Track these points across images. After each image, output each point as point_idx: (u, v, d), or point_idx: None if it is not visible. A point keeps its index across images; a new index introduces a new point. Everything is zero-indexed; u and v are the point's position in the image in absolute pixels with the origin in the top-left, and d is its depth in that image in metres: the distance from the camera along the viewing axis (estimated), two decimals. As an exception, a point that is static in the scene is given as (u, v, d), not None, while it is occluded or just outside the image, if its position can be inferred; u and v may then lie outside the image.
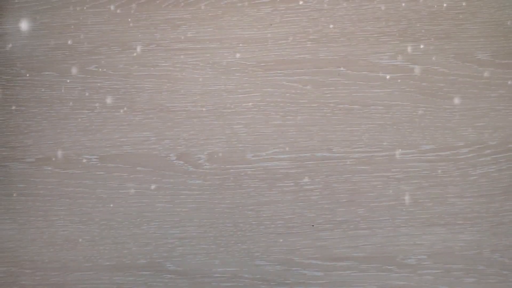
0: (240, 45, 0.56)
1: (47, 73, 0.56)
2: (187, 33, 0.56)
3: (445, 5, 0.55)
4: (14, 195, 0.55)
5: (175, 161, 0.54)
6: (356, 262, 0.51)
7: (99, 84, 0.56)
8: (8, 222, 0.55)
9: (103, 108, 0.55)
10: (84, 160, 0.55)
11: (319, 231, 0.50)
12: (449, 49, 0.54)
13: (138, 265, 0.52)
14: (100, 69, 0.56)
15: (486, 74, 0.54)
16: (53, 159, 0.55)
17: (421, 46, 0.55)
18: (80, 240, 0.54)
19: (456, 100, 0.54)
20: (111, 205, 0.54)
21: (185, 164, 0.54)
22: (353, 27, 0.55)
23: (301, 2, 0.56)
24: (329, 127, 0.54)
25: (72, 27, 0.57)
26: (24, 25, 0.57)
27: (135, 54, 0.56)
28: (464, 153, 0.53)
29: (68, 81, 0.56)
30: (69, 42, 0.57)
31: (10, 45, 0.57)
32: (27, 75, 0.56)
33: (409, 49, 0.55)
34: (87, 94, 0.56)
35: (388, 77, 0.54)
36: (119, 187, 0.54)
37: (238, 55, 0.55)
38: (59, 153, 0.55)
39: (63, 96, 0.56)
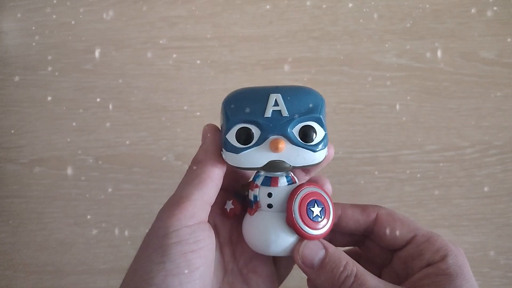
0: (239, 43, 0.55)
1: (41, 72, 0.55)
2: (185, 31, 0.55)
3: (450, 3, 0.54)
4: (7, 196, 0.54)
5: (172, 162, 0.53)
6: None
7: (94, 84, 0.55)
8: (1, 224, 0.54)
9: (98, 108, 0.55)
10: (79, 161, 0.54)
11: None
12: (454, 47, 0.54)
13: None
14: (95, 68, 0.55)
15: (491, 73, 0.53)
16: (48, 160, 0.54)
17: (426, 45, 0.54)
18: (75, 242, 0.53)
19: (461, 100, 0.53)
20: (107, 207, 0.53)
21: (183, 165, 0.53)
22: (356, 25, 0.55)
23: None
24: (332, 127, 0.53)
25: (67, 25, 0.56)
26: (18, 23, 0.57)
27: (131, 53, 0.55)
28: (469, 153, 0.52)
29: (63, 80, 0.55)
30: (64, 40, 0.56)
31: (4, 44, 0.56)
32: (22, 74, 0.56)
33: (413, 47, 0.54)
34: (82, 93, 0.55)
35: (391, 76, 0.54)
36: (115, 188, 0.53)
37: (237, 53, 0.55)
38: (54, 153, 0.54)
39: (57, 96, 0.55)
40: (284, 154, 0.27)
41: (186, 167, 0.53)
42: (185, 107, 0.54)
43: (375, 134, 0.53)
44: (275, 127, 0.27)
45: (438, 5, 0.54)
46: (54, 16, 0.56)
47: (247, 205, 0.31)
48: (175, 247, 0.25)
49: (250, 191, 0.30)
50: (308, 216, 0.27)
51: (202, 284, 0.26)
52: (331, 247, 0.27)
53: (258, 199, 0.29)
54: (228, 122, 0.28)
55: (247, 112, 0.27)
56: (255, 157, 0.27)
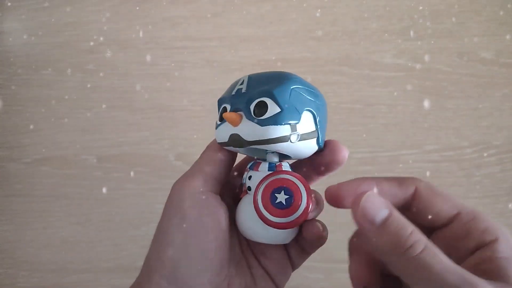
0: (240, 43, 0.55)
1: (45, 72, 0.56)
2: (187, 31, 0.56)
3: (448, 3, 0.54)
4: (11, 195, 0.54)
5: (174, 162, 0.54)
6: (358, 264, 0.51)
7: (97, 83, 0.55)
8: (5, 223, 0.54)
9: (101, 108, 0.55)
10: (82, 161, 0.54)
11: (321, 233, 0.50)
12: (452, 47, 0.54)
13: (136, 267, 0.52)
14: (98, 68, 0.55)
15: (490, 73, 0.53)
16: (51, 159, 0.54)
17: (424, 45, 0.54)
18: (78, 241, 0.53)
19: (460, 100, 0.53)
20: (109, 206, 0.53)
21: (184, 164, 0.53)
22: (355, 25, 0.55)
23: None
24: (331, 127, 0.53)
25: (70, 25, 0.56)
26: (22, 23, 0.57)
27: (134, 53, 0.55)
28: (468, 153, 0.52)
29: (66, 80, 0.55)
30: (68, 40, 0.56)
31: (7, 44, 0.56)
32: (25, 74, 0.56)
33: (412, 47, 0.54)
34: (85, 93, 0.55)
35: (390, 76, 0.54)
36: (117, 187, 0.54)
37: (238, 53, 0.55)
38: (57, 153, 0.54)
39: (61, 96, 0.55)
40: (240, 128, 0.27)
41: (187, 166, 0.53)
42: (187, 107, 0.54)
43: (375, 134, 0.53)
44: (237, 103, 0.28)
45: (436, 6, 0.54)
46: (57, 16, 0.56)
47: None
48: (191, 210, 0.27)
49: None
50: (270, 201, 0.27)
51: (217, 246, 0.27)
52: (395, 211, 0.24)
53: (244, 182, 0.30)
54: (218, 106, 0.30)
55: (227, 94, 0.29)
56: (223, 132, 0.28)
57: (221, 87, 0.56)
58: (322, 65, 0.54)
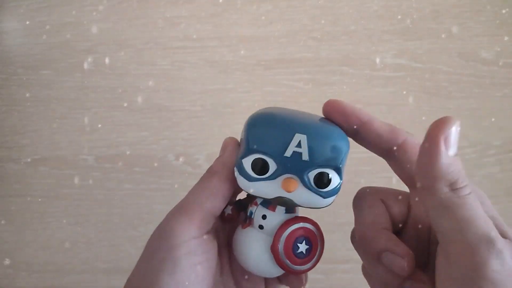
0: (240, 43, 0.55)
1: (44, 72, 0.56)
2: (186, 31, 0.56)
3: (449, 3, 0.55)
4: (10, 196, 0.54)
5: (173, 162, 0.54)
6: (357, 265, 0.51)
7: (96, 83, 0.55)
8: (3, 223, 0.54)
9: (100, 108, 0.55)
10: (81, 161, 0.54)
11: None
12: (453, 48, 0.54)
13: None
14: (97, 68, 0.55)
15: (490, 73, 0.53)
16: (50, 159, 0.54)
17: (425, 45, 0.54)
18: (76, 242, 0.53)
19: (460, 100, 0.53)
20: (108, 207, 0.53)
21: (184, 165, 0.53)
22: (355, 25, 0.55)
23: None
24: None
25: (69, 25, 0.56)
26: (21, 23, 0.57)
27: (133, 53, 0.55)
28: (468, 153, 0.52)
29: (65, 80, 0.55)
30: (67, 40, 0.56)
31: (7, 44, 0.56)
32: (24, 74, 0.56)
33: (413, 48, 0.54)
34: (84, 93, 0.55)
35: (391, 76, 0.54)
36: (116, 188, 0.54)
37: (237, 53, 0.55)
38: (56, 153, 0.54)
39: (60, 96, 0.55)
40: (294, 195, 0.26)
41: (186, 166, 0.53)
42: (186, 107, 0.54)
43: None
44: (292, 168, 0.26)
45: (437, 6, 0.54)
46: (57, 16, 0.56)
47: (244, 217, 0.30)
48: (185, 258, 0.26)
49: (249, 205, 0.30)
50: (293, 250, 0.27)
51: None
52: None
53: (252, 217, 0.29)
54: (247, 147, 0.27)
55: (268, 144, 0.26)
56: (265, 189, 0.26)
57: (221, 87, 0.57)
58: (322, 65, 0.54)
